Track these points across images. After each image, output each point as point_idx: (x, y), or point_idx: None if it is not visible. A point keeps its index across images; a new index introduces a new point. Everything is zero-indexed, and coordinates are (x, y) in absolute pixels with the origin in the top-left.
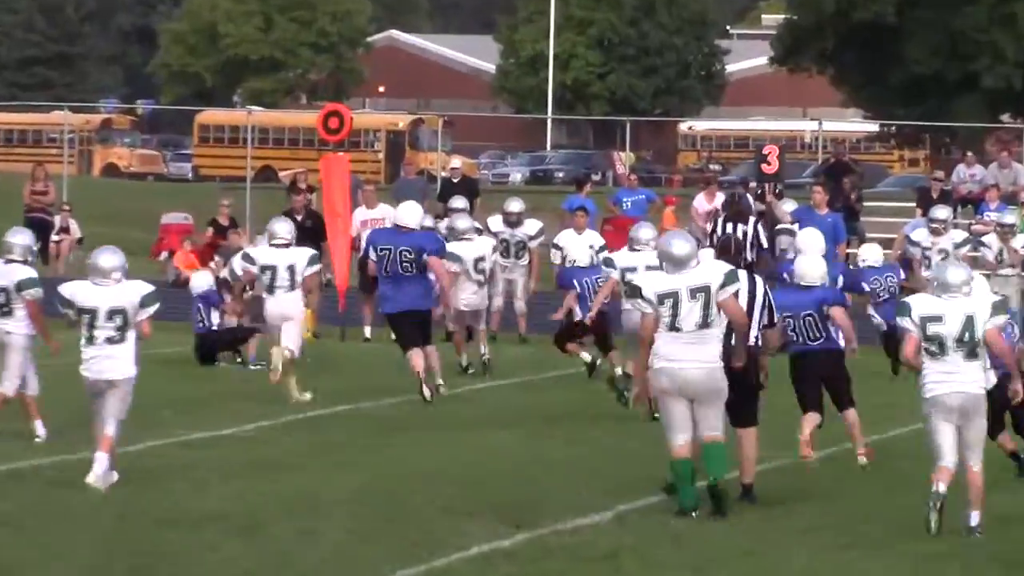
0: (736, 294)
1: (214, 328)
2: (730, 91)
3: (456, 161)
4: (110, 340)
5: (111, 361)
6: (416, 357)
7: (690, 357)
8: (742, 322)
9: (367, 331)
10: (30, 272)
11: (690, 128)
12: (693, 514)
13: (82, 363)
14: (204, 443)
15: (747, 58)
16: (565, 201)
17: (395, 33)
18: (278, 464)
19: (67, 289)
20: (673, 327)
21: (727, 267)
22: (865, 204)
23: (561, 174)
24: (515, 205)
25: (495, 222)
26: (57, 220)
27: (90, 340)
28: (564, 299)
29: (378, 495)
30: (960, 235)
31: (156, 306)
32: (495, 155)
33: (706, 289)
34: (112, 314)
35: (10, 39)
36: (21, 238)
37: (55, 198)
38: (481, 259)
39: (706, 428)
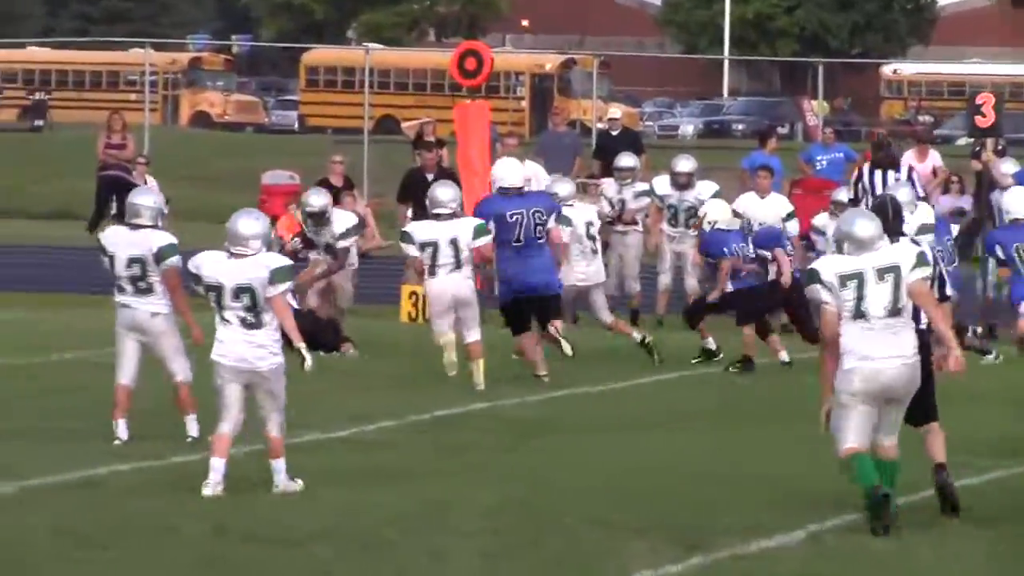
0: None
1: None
2: (942, 28)
3: (615, 110)
4: (244, 323)
5: (249, 348)
6: (529, 340)
7: (886, 352)
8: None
9: None
10: (168, 238)
11: (895, 72)
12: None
13: (215, 347)
14: (313, 447)
15: None
16: (745, 159)
17: None
18: (401, 472)
19: (194, 261)
20: (858, 314)
21: (915, 248)
22: None
23: (740, 126)
24: (685, 164)
25: (661, 183)
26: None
27: (224, 321)
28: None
29: (518, 508)
30: None
31: (288, 284)
32: (661, 103)
33: (895, 270)
34: (239, 292)
35: None
36: (146, 199)
37: (134, 152)
38: (591, 223)
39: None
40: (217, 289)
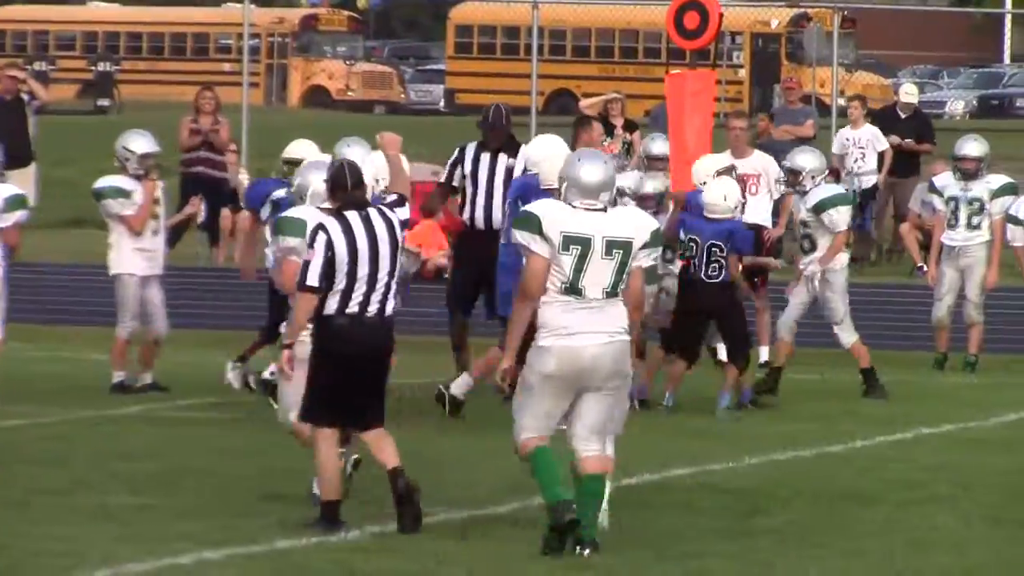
0: None
1: None
2: None
3: (911, 89)
4: None
5: None
6: None
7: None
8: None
9: None
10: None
11: None
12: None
13: None
14: None
15: None
16: None
17: None
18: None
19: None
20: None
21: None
22: None
23: None
24: (974, 148)
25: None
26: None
27: None
28: None
29: None
30: None
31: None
32: (923, 73)
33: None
34: None
35: None
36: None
37: (229, 141)
38: None
39: None
40: None
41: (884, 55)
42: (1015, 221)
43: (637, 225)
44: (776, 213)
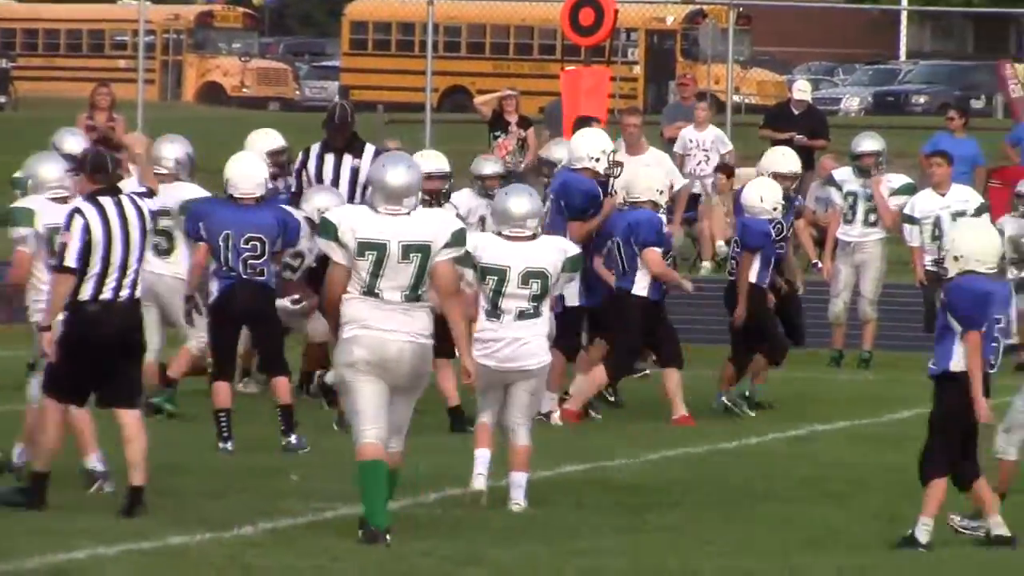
0: None
1: None
2: None
3: (805, 86)
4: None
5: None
6: None
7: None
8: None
9: None
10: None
11: None
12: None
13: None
14: None
15: None
16: (929, 142)
17: None
18: (471, 559)
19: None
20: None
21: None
22: None
23: (922, 99)
24: (870, 144)
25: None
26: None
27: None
28: None
29: None
30: None
31: None
32: (819, 69)
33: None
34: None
35: None
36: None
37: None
38: None
39: None
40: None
41: (779, 52)
42: (910, 220)
43: (437, 228)
44: (671, 211)
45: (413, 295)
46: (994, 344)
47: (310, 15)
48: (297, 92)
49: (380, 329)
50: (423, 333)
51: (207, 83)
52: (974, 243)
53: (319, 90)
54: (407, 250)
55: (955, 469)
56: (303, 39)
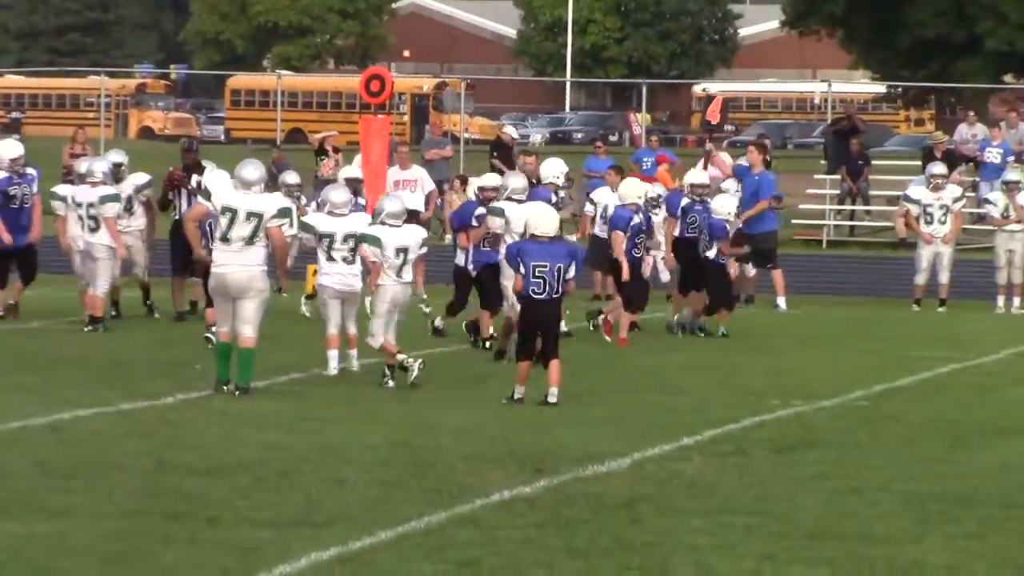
0: None
1: None
2: (742, 54)
3: (511, 128)
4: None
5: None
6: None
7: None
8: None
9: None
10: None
11: (704, 90)
12: None
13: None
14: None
15: (759, 23)
16: (586, 162)
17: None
18: (310, 416)
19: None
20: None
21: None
22: (873, 163)
23: (580, 135)
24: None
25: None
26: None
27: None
28: None
29: (404, 447)
30: (957, 191)
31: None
32: (516, 117)
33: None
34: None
35: (47, 6)
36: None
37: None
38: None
39: None
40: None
41: (493, 106)
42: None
43: (269, 205)
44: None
45: (250, 241)
46: None
47: (207, 85)
48: (198, 132)
49: (225, 265)
50: (255, 263)
51: (143, 127)
52: None
53: (212, 131)
54: (249, 215)
55: None
56: (202, 100)
